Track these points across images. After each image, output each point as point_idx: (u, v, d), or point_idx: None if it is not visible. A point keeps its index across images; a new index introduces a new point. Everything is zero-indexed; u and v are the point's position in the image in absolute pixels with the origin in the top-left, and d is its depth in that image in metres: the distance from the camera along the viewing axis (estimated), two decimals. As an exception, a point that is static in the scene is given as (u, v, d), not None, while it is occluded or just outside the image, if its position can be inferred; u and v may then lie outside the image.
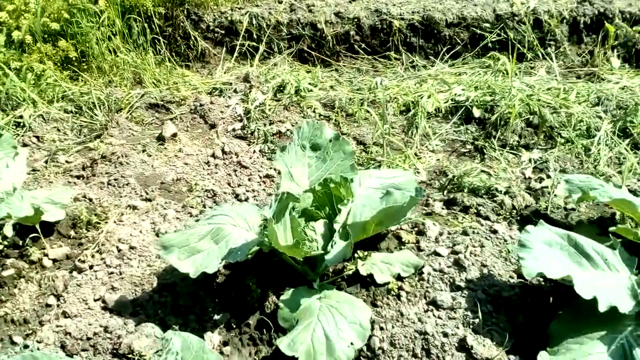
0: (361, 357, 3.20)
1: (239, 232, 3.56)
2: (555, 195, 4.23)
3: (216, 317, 3.53)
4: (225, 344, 3.40)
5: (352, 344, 3.16)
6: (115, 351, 3.35)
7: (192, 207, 4.45)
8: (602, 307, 2.89)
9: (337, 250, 3.32)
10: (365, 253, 3.73)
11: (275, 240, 3.21)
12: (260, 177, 4.78)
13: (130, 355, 3.31)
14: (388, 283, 3.52)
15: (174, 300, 3.66)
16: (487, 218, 4.05)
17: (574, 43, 7.00)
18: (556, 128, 5.06)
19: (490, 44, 6.81)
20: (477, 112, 5.27)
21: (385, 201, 3.45)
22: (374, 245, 3.86)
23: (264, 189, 4.65)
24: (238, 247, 3.45)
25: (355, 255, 3.69)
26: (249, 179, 4.76)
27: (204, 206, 4.46)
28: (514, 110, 5.01)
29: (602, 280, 3.11)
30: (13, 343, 3.50)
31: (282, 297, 3.40)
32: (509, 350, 3.10)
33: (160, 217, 4.35)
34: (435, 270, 3.59)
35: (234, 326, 3.48)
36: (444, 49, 6.91)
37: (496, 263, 3.61)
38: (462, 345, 3.12)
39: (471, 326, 3.23)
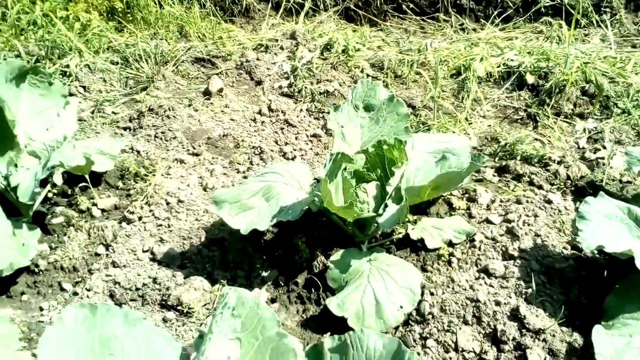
0: (410, 322, 3.17)
1: (290, 190, 3.53)
2: (611, 167, 4.12)
3: (264, 273, 3.53)
4: (273, 300, 3.41)
5: (401, 307, 3.14)
6: (163, 302, 3.38)
7: (239, 164, 4.43)
8: (664, 284, 2.82)
9: (391, 213, 3.27)
10: (415, 217, 3.68)
11: (329, 200, 3.17)
12: (308, 137, 4.73)
13: (179, 307, 3.33)
14: (439, 249, 3.47)
15: (222, 255, 3.66)
16: (540, 187, 3.96)
17: (630, 11, 6.76)
18: (612, 98, 4.90)
19: (542, 9, 6.62)
20: (530, 79, 5.13)
21: (441, 166, 3.38)
22: (423, 210, 3.80)
23: (311, 149, 4.61)
24: (289, 205, 3.42)
25: (406, 219, 3.64)
26: (296, 138, 4.72)
27: (251, 163, 4.44)
28: (570, 78, 4.86)
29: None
30: (62, 290, 3.54)
31: (332, 258, 3.37)
32: (562, 323, 3.05)
33: (208, 172, 4.34)
34: (487, 238, 3.53)
35: (282, 284, 3.48)
36: (495, 12, 6.74)
37: (550, 233, 3.53)
38: (515, 315, 3.07)
39: (524, 296, 3.17)
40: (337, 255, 3.39)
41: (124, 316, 2.47)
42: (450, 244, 3.49)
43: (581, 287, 3.24)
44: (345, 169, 3.49)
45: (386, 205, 3.37)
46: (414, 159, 3.58)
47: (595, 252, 3.40)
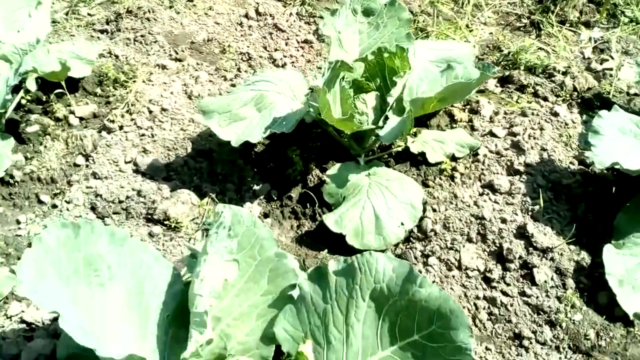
0: (411, 239, 3.02)
1: (284, 100, 3.29)
2: (618, 78, 3.91)
3: (256, 187, 3.33)
4: (265, 215, 3.23)
5: (402, 224, 2.99)
6: (149, 216, 3.18)
7: (226, 71, 4.14)
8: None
9: (392, 125, 3.06)
10: (415, 130, 3.47)
11: (327, 112, 2.95)
12: (299, 42, 4.43)
13: (166, 222, 3.14)
14: (441, 163, 3.29)
15: (210, 167, 3.45)
16: (545, 99, 3.75)
17: None
18: (620, 6, 4.65)
19: None
20: (533, -17, 4.82)
21: (447, 76, 3.15)
22: (423, 123, 3.59)
23: (302, 55, 4.32)
24: (283, 116, 3.19)
25: (409, 132, 3.43)
26: (286, 44, 4.42)
27: (239, 70, 4.15)
28: (576, -17, 4.57)
29: (679, 172, 2.87)
30: (40, 202, 3.32)
31: (328, 172, 3.18)
32: (569, 241, 2.92)
33: (192, 79, 4.06)
34: (491, 152, 3.35)
35: (275, 198, 3.29)
36: None
37: (556, 148, 3.36)
38: (522, 233, 2.93)
39: (530, 213, 3.03)
40: (334, 169, 3.19)
41: (110, 235, 2.27)
42: (453, 158, 3.31)
43: (588, 204, 3.10)
44: (343, 78, 3.25)
45: (387, 117, 3.16)
46: (416, 68, 3.34)
47: (605, 169, 3.24)
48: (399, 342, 2.14)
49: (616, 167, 2.82)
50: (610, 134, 2.95)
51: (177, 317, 2.33)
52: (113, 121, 3.69)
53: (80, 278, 2.16)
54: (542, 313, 2.72)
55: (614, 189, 3.15)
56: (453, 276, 2.86)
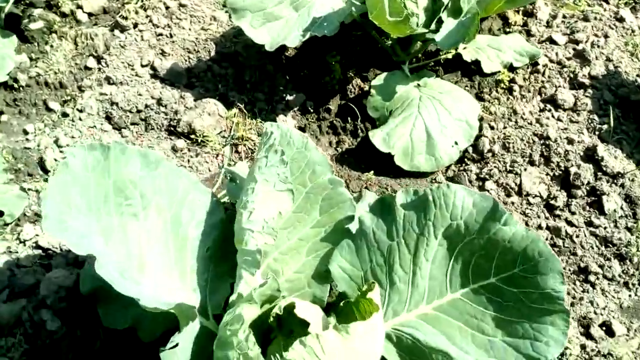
0: (466, 160, 2.74)
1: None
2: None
3: (289, 97, 3.01)
4: (301, 130, 2.92)
5: (456, 143, 2.70)
6: (172, 128, 2.88)
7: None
8: None
9: (449, 29, 2.70)
10: (466, 34, 3.10)
11: (378, 11, 2.58)
12: None
13: (191, 135, 2.84)
14: (497, 73, 2.95)
15: (237, 74, 3.10)
16: (607, 1, 3.35)
17: None
18: None
19: None
20: None
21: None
22: (474, 26, 3.21)
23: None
24: (323, 16, 2.83)
25: (473, 38, 3.05)
26: None
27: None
28: None
29: None
30: (49, 110, 2.99)
31: (373, 82, 2.85)
32: (640, 163, 2.65)
33: (211, -30, 3.62)
34: (552, 61, 3.00)
35: (311, 110, 2.97)
36: None
37: (622, 58, 3.02)
38: (590, 156, 2.64)
39: (598, 133, 2.73)
40: (379, 79, 2.86)
41: (142, 157, 1.98)
42: (511, 68, 2.96)
43: (660, 123, 2.80)
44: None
45: (440, 20, 2.79)
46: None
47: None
48: (472, 284, 1.90)
49: None
50: (696, 45, 2.61)
51: (218, 251, 2.08)
52: (126, 18, 3.29)
53: (111, 207, 1.89)
54: (610, 245, 2.48)
55: (687, 106, 2.84)
56: (512, 203, 2.60)
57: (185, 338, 1.78)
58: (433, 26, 2.80)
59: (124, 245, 1.87)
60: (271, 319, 1.86)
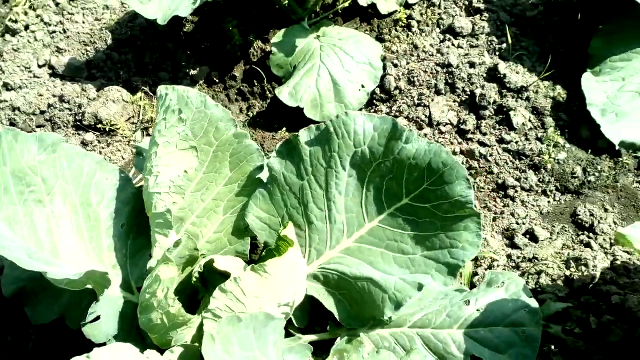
0: (375, 101, 2.75)
1: (207, -36, 2.87)
2: None
3: (193, 72, 2.98)
4: (210, 101, 2.89)
5: (363, 86, 2.72)
6: (78, 123, 2.82)
7: (134, -53, 3.63)
8: (660, 14, 2.46)
9: (336, -24, 2.71)
10: (359, -19, 3.11)
11: (261, -33, 2.57)
12: None
13: (99, 126, 2.78)
14: (394, 12, 2.97)
15: (138, 58, 3.05)
16: None
17: None
18: None
19: None
20: None
21: None
22: (365, -28, 3.23)
23: None
24: (209, -19, 2.78)
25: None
26: None
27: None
28: None
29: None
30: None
31: (273, 40, 2.84)
32: (543, 77, 2.70)
33: (97, -39, 3.55)
34: (446, -8, 3.04)
35: (217, 80, 2.95)
36: None
37: (514, -21, 3.07)
38: (493, 75, 2.69)
39: (498, 53, 2.78)
40: (278, 36, 2.85)
41: (38, 141, 1.93)
42: (407, 5, 2.99)
43: (556, 35, 2.86)
44: None
45: (328, -31, 2.80)
46: None
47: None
48: (388, 209, 1.91)
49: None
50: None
51: (135, 225, 2.05)
52: (16, 21, 3.20)
53: (13, 197, 1.83)
54: (524, 158, 2.54)
55: (579, 15, 2.90)
56: (425, 135, 2.63)
57: (107, 311, 1.76)
58: (322, -25, 2.80)
59: (32, 232, 1.82)
60: (194, 279, 1.85)
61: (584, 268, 2.20)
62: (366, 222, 1.93)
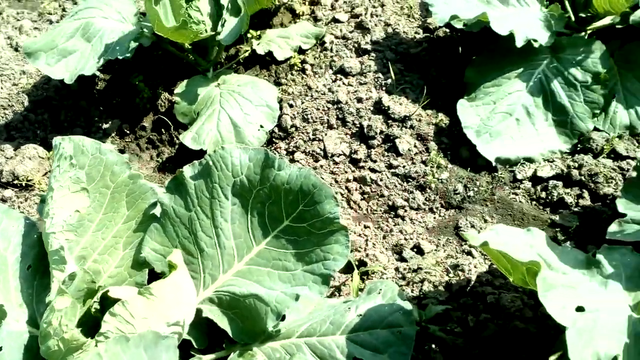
0: (274, 139, 2.97)
1: (113, 24, 3.09)
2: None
3: (105, 125, 3.16)
4: (121, 151, 3.07)
5: (262, 126, 2.93)
6: (-2, 181, 2.96)
7: (50, 14, 3.84)
8: (520, 42, 2.74)
9: (230, 27, 2.96)
10: (259, 32, 3.37)
11: (158, 23, 2.79)
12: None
13: (16, 182, 2.93)
14: (290, 58, 3.22)
15: (53, 117, 3.23)
16: (382, -23, 3.71)
17: None
18: None
19: None
20: None
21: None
22: (266, 23, 3.49)
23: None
24: (115, 41, 3.01)
25: (249, 35, 3.33)
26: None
27: (64, 10, 3.86)
28: None
29: (515, 15, 2.94)
30: None
31: (176, 91, 3.05)
32: (425, 106, 2.96)
33: (15, 29, 3.74)
34: (337, 37, 3.30)
35: (128, 132, 3.13)
36: None
37: (399, 21, 3.35)
38: (379, 108, 2.93)
39: (384, 88, 3.03)
40: (181, 86, 3.06)
41: (-61, 195, 2.07)
42: (301, 50, 3.24)
43: (438, 68, 3.14)
44: (171, -11, 3.06)
45: (224, 21, 3.03)
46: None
47: (448, 31, 3.28)
48: (272, 232, 2.09)
49: (455, 19, 2.84)
50: (446, -9, 2.96)
51: (40, 266, 2.19)
52: None
53: None
54: (411, 180, 2.76)
55: (460, 49, 3.19)
56: (321, 166, 2.84)
57: (10, 343, 1.89)
58: (219, 28, 3.03)
59: None
60: (93, 310, 1.99)
61: (461, 273, 2.41)
62: (254, 245, 2.11)
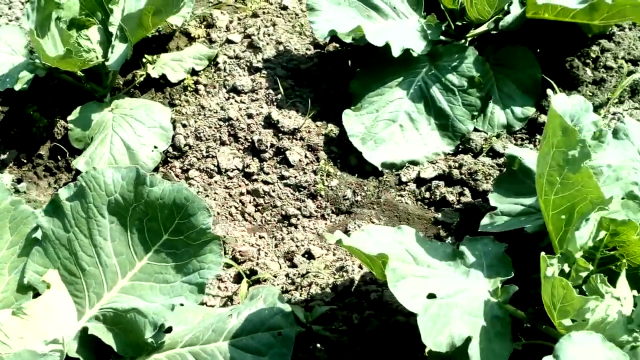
0: (169, 159, 3.03)
1: (3, 57, 3.12)
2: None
3: (3, 156, 3.17)
4: (19, 181, 3.08)
5: (155, 147, 2.99)
6: None
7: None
8: (396, 52, 2.88)
9: (119, 53, 3.01)
10: (155, 56, 3.43)
11: (42, 52, 2.83)
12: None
13: None
14: (183, 80, 3.29)
15: (-51, 151, 3.22)
16: (275, -4, 3.83)
17: None
18: None
19: None
20: None
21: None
22: (162, 48, 3.56)
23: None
24: (5, 73, 3.05)
25: (144, 59, 3.39)
26: None
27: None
28: None
29: (393, 27, 3.09)
30: None
31: (69, 118, 3.08)
32: (315, 118, 3.07)
33: None
34: (230, 57, 3.39)
35: (25, 161, 3.15)
36: None
37: (291, 38, 3.47)
38: (269, 122, 3.03)
39: (275, 103, 3.13)
40: (75, 113, 3.10)
41: None
42: (194, 72, 3.32)
43: (328, 81, 3.26)
44: (59, 18, 3.11)
45: (114, 47, 3.09)
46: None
47: (338, 45, 3.41)
48: (153, 246, 2.16)
49: (334, 34, 2.98)
50: (326, 7, 3.09)
51: None
52: None
53: None
54: (302, 189, 2.86)
55: (349, 62, 3.33)
56: (215, 181, 2.92)
57: None
58: (109, 55, 3.09)
59: None
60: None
61: (345, 274, 2.51)
62: (137, 261, 2.17)
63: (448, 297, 1.89)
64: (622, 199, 2.15)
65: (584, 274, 1.96)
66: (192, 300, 2.03)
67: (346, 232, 2.72)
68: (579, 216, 1.97)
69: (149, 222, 2.14)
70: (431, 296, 1.85)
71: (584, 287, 1.95)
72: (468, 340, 1.82)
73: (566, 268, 2.03)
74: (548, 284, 1.78)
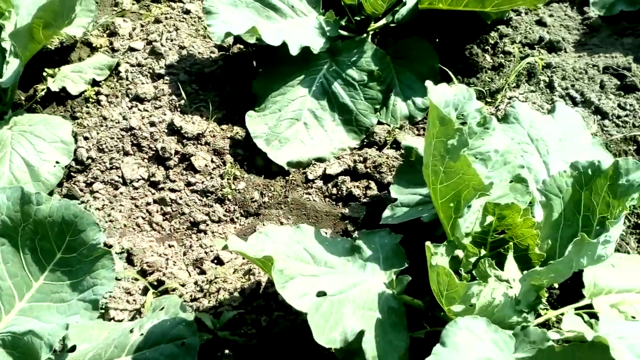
0: (72, 173, 2.97)
1: None
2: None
3: None
4: None
5: (57, 162, 2.92)
6: None
7: None
8: (294, 50, 2.89)
9: (12, 69, 2.94)
10: (55, 69, 3.36)
11: None
12: None
13: None
14: (84, 91, 3.23)
15: None
16: (180, 0, 3.79)
17: None
18: None
19: None
20: None
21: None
22: (64, 59, 3.48)
23: None
24: None
25: (45, 73, 3.31)
26: None
27: None
28: None
29: (291, 26, 3.10)
30: None
31: (-38, 141, 2.99)
32: (220, 121, 3.06)
33: None
34: (132, 65, 3.34)
35: None
36: None
37: (195, 42, 3.44)
38: (172, 129, 3.01)
39: (178, 109, 3.11)
40: (-29, 135, 3.01)
41: None
42: (95, 83, 3.27)
43: (233, 84, 3.25)
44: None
45: (8, 63, 3.01)
46: (27, 3, 3.19)
47: (242, 47, 3.41)
48: (48, 266, 2.10)
49: (230, 36, 2.98)
50: (224, 10, 3.06)
51: None
52: None
53: None
54: (210, 194, 2.85)
55: (254, 63, 3.32)
56: (121, 193, 2.88)
57: None
58: (4, 72, 3.01)
59: None
60: None
61: (253, 277, 2.51)
62: (33, 282, 2.12)
63: (340, 293, 1.91)
64: (511, 182, 2.21)
65: (473, 259, 2.02)
66: (87, 317, 1.99)
67: (255, 234, 2.72)
68: (465, 203, 2.01)
69: (40, 242, 2.09)
70: (321, 294, 1.86)
71: (474, 272, 2.00)
72: (361, 334, 1.84)
73: (460, 254, 2.08)
74: (433, 272, 1.82)
